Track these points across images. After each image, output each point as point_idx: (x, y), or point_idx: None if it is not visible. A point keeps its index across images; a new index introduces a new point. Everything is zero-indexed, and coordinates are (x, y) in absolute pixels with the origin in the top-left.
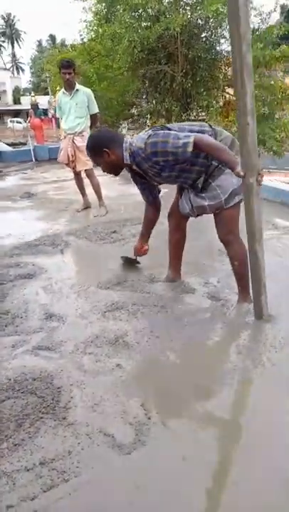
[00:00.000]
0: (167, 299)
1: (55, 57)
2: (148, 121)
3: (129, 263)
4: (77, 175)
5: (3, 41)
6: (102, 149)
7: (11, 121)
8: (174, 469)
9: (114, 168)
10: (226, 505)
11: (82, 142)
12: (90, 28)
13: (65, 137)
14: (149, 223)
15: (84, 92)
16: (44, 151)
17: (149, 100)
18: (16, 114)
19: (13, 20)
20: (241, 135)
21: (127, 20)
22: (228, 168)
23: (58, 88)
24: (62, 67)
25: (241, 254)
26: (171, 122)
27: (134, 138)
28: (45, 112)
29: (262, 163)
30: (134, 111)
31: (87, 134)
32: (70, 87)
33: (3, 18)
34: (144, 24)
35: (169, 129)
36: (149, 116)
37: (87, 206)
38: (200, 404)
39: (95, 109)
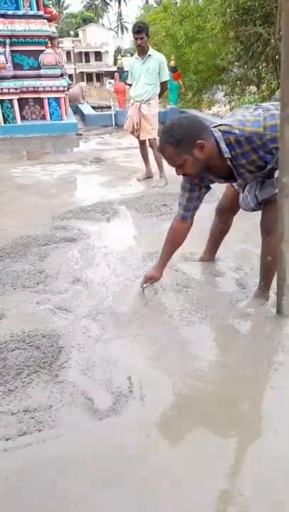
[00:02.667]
0: (193, 279)
1: (146, 18)
2: (248, 88)
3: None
4: (142, 144)
5: (111, 0)
6: (195, 141)
7: (109, 82)
8: (136, 443)
9: (201, 167)
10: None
11: (148, 110)
12: None
13: (132, 104)
14: (175, 247)
15: (157, 58)
16: (125, 116)
17: (240, 65)
18: (113, 75)
19: None
20: (280, 131)
21: None
22: None
23: None
24: (133, 32)
25: (275, 249)
26: (261, 90)
27: (230, 122)
28: None
29: None
30: (224, 76)
31: (154, 102)
32: (142, 52)
33: None
34: None
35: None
36: (238, 82)
37: (148, 176)
38: (186, 388)
39: (165, 77)
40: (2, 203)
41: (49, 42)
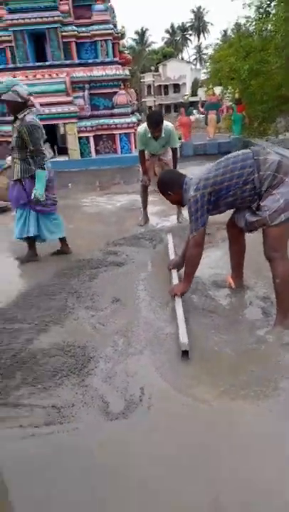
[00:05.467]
0: (220, 305)
1: (214, 57)
2: None
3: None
4: (146, 188)
5: (190, 34)
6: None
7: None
8: (137, 441)
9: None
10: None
11: (165, 156)
12: (250, 22)
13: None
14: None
15: (165, 131)
16: (189, 147)
17: None
18: (190, 105)
19: (202, 13)
20: None
21: (281, 14)
22: (277, 190)
23: (210, 86)
24: (150, 125)
25: (283, 273)
26: None
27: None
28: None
29: None
30: None
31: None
32: (157, 136)
33: (194, 12)
34: None
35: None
36: None
37: (147, 221)
38: (190, 402)
39: (175, 144)
40: (69, 229)
41: (122, 84)
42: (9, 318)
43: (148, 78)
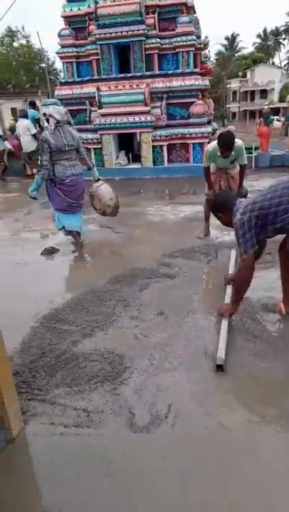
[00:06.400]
0: (265, 330)
1: None
2: None
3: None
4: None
5: (284, 38)
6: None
7: (277, 119)
8: (153, 458)
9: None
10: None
11: (233, 170)
12: None
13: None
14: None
15: (235, 147)
16: (266, 158)
17: None
18: (277, 111)
19: None
20: None
21: None
22: None
23: None
24: (221, 147)
25: None
26: None
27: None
28: None
29: None
30: None
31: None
32: (227, 156)
33: None
34: None
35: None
36: None
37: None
38: (214, 424)
39: (243, 161)
40: (130, 237)
41: (200, 94)
42: (62, 319)
43: (234, 84)
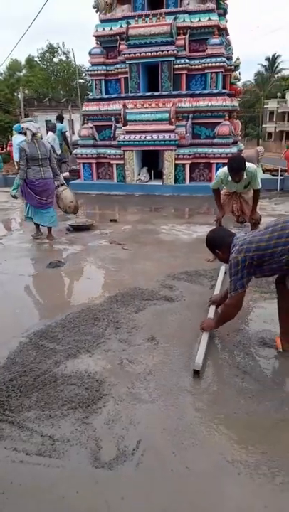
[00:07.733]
0: (256, 367)
1: None
2: None
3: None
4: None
5: None
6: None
7: None
8: (109, 499)
9: None
10: None
11: (247, 194)
12: None
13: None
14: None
15: (247, 172)
16: None
17: None
18: None
19: None
20: None
21: None
22: None
23: None
24: (230, 171)
25: None
26: None
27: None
28: None
29: None
30: None
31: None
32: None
33: None
34: None
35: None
36: None
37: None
38: (182, 477)
39: (257, 186)
40: (138, 254)
41: (227, 115)
42: (51, 336)
43: (272, 104)
